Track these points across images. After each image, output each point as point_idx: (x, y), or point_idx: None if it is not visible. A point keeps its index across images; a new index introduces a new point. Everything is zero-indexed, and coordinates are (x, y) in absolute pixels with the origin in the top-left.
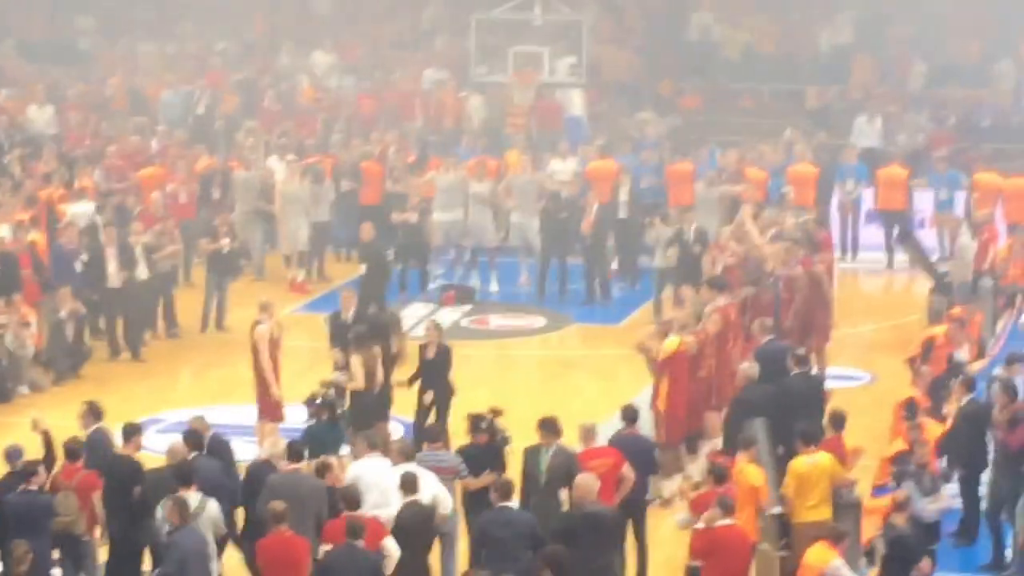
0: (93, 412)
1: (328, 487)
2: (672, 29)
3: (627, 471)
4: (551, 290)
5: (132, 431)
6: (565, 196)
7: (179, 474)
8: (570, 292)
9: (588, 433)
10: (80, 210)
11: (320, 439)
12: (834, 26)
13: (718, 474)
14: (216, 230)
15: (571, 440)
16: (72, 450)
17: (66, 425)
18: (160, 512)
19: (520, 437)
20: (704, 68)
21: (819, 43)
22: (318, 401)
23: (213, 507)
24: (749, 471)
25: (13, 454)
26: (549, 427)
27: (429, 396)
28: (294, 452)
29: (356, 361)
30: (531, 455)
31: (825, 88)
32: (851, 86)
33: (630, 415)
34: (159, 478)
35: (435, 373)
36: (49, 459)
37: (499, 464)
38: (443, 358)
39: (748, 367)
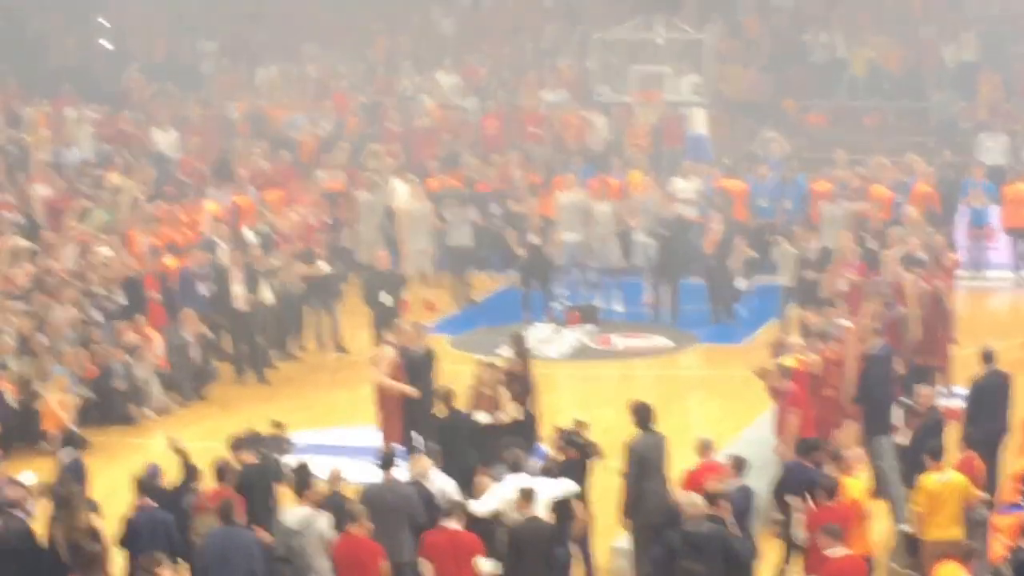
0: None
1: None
2: (796, 47)
3: None
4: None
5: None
6: (683, 217)
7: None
8: (695, 312)
9: (705, 447)
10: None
11: None
12: (959, 43)
13: (827, 488)
14: (312, 255)
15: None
16: (220, 471)
17: (191, 447)
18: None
19: None
20: (828, 86)
21: (944, 60)
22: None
23: (323, 521)
24: (847, 484)
25: (152, 474)
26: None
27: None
28: (386, 461)
29: (503, 393)
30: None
31: (950, 105)
32: (976, 103)
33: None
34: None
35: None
36: (191, 476)
37: (586, 478)
38: (528, 423)
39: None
